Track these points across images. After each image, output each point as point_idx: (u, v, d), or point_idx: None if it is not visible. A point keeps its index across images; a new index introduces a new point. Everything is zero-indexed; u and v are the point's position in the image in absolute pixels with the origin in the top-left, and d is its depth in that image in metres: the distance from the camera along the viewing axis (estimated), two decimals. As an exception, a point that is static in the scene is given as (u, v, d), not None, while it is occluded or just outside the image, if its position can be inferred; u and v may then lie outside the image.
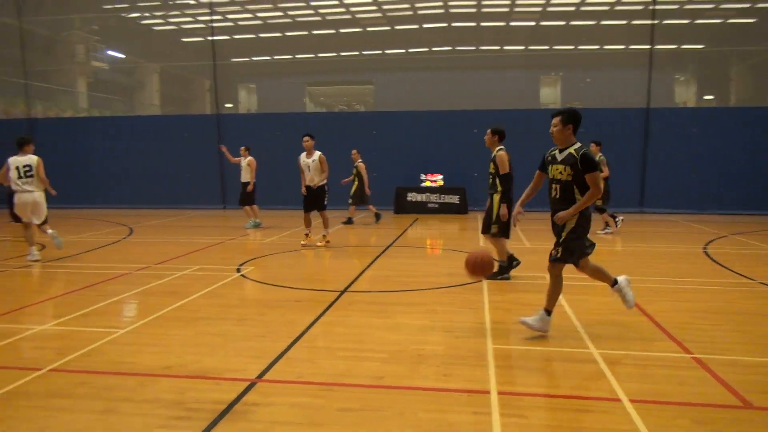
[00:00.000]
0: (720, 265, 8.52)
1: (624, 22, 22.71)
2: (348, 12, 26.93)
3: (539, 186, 5.27)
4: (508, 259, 7.43)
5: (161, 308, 6.03)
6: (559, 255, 4.88)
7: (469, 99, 20.68)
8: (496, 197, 7.29)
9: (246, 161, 13.07)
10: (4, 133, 18.93)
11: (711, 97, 24.01)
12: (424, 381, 4.05)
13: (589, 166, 4.71)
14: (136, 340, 4.97)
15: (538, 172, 5.18)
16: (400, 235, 11.99)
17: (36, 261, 8.93)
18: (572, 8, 23.58)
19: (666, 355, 4.55)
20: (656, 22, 17.67)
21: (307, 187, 10.34)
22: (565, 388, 3.97)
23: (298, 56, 30.31)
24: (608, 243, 10.84)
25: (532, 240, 10.96)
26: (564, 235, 4.87)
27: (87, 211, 17.59)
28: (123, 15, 27.95)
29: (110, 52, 30.92)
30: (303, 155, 10.39)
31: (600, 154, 11.40)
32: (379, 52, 28.49)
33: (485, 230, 7.48)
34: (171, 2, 26.22)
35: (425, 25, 26.67)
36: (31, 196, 9.08)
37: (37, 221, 9.21)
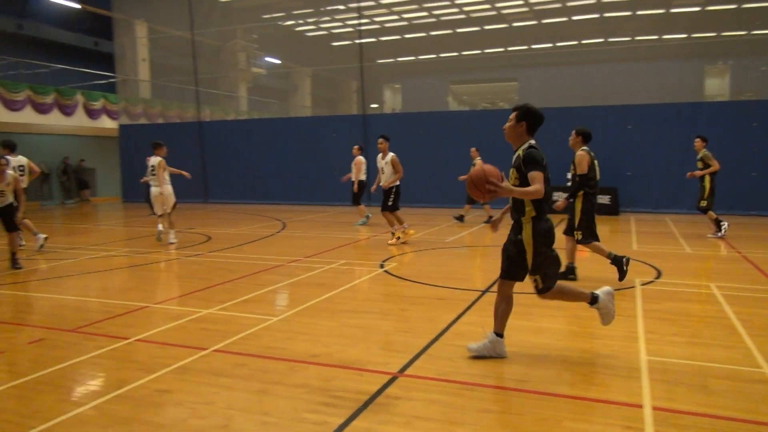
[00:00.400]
0: None
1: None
2: (493, 8, 26.52)
3: None
4: (566, 268, 7.01)
5: (310, 299, 6.37)
6: (540, 286, 4.32)
7: (622, 93, 19.44)
8: (578, 202, 6.97)
9: (354, 161, 13.34)
10: (179, 134, 21.14)
11: None
12: (570, 388, 3.88)
13: (530, 163, 4.10)
14: (288, 328, 5.30)
15: None
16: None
17: (172, 243, 10.57)
18: (745, -11, 21.32)
19: None
20: None
21: (381, 187, 10.52)
22: (732, 409, 3.59)
23: (442, 55, 30.43)
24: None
25: (695, 247, 10.06)
26: (529, 260, 4.24)
27: (246, 206, 19.07)
28: (280, 23, 29.90)
29: (268, 59, 33.26)
30: (379, 156, 10.57)
31: (704, 150, 10.40)
32: (525, 47, 27.76)
33: (567, 232, 7.19)
34: (322, 9, 27.57)
35: (575, 17, 25.48)
36: (156, 189, 10.59)
37: (159, 212, 10.77)
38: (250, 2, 27.93)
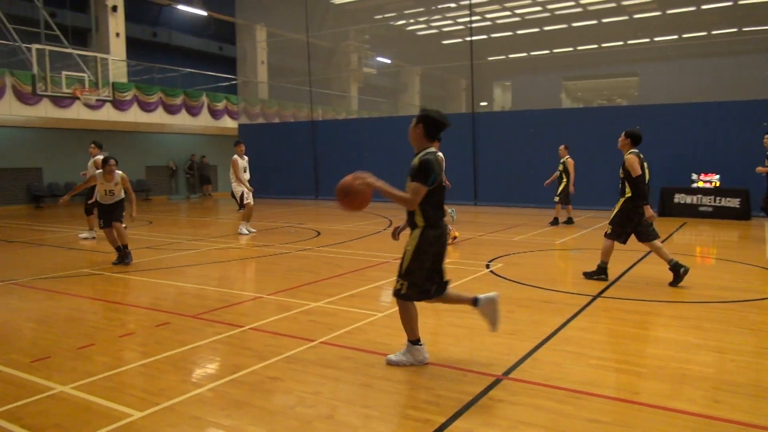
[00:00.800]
0: None
1: None
2: (613, 0, 25.25)
3: None
4: (597, 268, 7.27)
5: (415, 297, 6.40)
6: (402, 291, 4.20)
7: (755, 87, 17.79)
8: (621, 200, 7.06)
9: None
10: (293, 133, 22.05)
11: None
12: (688, 404, 3.62)
13: (418, 171, 3.98)
14: (392, 324, 5.36)
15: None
16: (665, 240, 10.89)
17: (247, 233, 11.72)
18: None
19: None
20: None
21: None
22: None
23: (555, 50, 29.40)
24: None
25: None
26: (405, 263, 4.17)
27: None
28: (391, 23, 30.29)
29: (379, 59, 33.82)
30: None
31: None
32: (647, 40, 26.17)
33: (642, 239, 7.09)
34: (433, 7, 27.58)
35: (704, 6, 23.67)
36: (232, 186, 12.01)
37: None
38: (363, 3, 28.52)
